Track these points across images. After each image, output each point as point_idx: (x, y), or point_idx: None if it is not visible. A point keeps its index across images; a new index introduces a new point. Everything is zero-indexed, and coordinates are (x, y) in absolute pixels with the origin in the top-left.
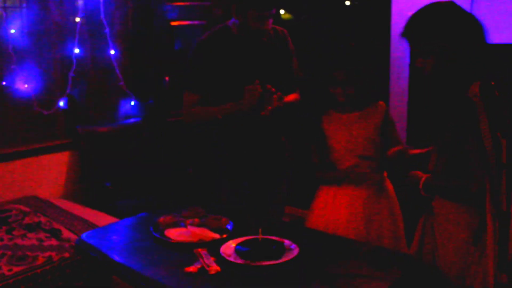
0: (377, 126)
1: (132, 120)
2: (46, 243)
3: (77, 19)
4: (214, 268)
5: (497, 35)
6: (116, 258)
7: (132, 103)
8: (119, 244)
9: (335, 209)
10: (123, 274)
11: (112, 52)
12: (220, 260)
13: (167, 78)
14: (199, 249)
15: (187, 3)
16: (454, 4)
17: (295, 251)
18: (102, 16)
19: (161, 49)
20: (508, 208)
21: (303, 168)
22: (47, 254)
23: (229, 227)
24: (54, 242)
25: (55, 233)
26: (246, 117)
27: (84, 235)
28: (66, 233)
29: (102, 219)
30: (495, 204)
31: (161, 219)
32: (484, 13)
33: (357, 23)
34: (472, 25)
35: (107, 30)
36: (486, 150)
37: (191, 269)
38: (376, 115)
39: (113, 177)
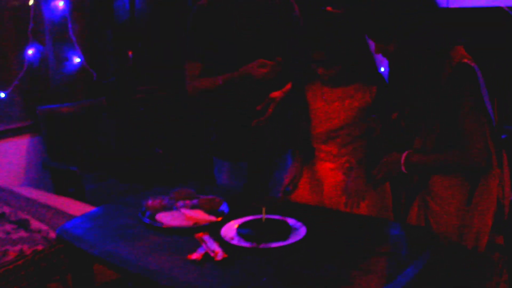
0: (359, 109)
1: (95, 99)
2: (14, 236)
3: None
4: (221, 254)
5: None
6: (108, 248)
7: (94, 80)
8: (108, 232)
9: (318, 185)
10: (118, 266)
11: (70, 26)
12: (223, 244)
13: (130, 53)
14: (201, 234)
15: None
16: None
17: (302, 231)
18: None
19: (122, 20)
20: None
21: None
22: (17, 247)
23: (224, 208)
24: (23, 234)
25: (23, 224)
26: (247, 88)
27: (66, 225)
28: (35, 224)
29: (72, 206)
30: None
31: (149, 203)
32: None
33: None
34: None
35: (64, 1)
36: (487, 113)
37: (195, 256)
38: (364, 97)
39: (79, 160)
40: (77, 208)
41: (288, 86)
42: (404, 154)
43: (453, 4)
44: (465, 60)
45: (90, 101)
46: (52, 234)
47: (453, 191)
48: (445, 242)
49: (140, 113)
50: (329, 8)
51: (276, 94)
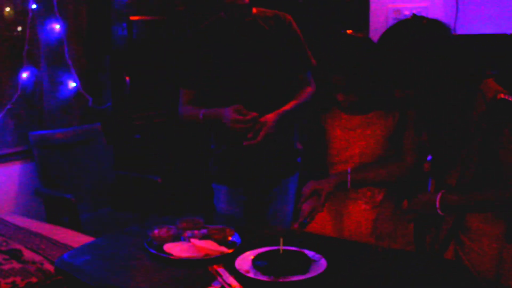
0: (382, 137)
1: (90, 124)
2: (6, 267)
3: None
4: None
5: (487, 26)
6: (113, 281)
7: (90, 105)
8: (113, 264)
9: (336, 215)
10: None
11: (67, 49)
12: (238, 277)
13: (127, 78)
14: (215, 266)
15: None
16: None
17: (323, 263)
18: (55, 9)
19: (120, 45)
20: None
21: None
22: (10, 280)
23: (235, 238)
24: (15, 265)
25: (15, 255)
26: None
27: (65, 255)
28: (28, 254)
29: (67, 235)
30: None
31: (156, 232)
32: (472, 4)
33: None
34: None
35: (61, 24)
36: None
37: None
38: (387, 124)
39: (74, 188)
40: (73, 238)
41: (284, 108)
42: (439, 196)
43: (459, 31)
44: (502, 95)
45: (85, 127)
46: (47, 266)
47: (488, 225)
48: (481, 281)
49: (137, 140)
50: (349, 31)
51: (268, 117)
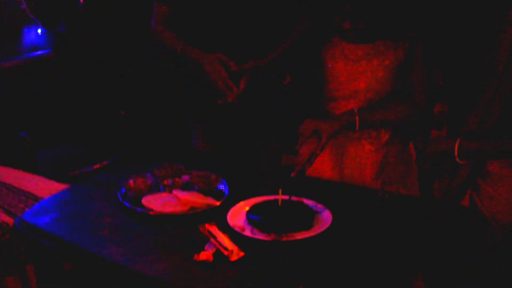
0: (390, 69)
1: (40, 52)
2: None
3: None
4: (236, 252)
5: None
6: (88, 247)
7: (39, 31)
8: (83, 224)
9: (336, 156)
10: (103, 271)
11: None
12: (233, 236)
13: None
14: (207, 225)
15: None
16: None
17: (327, 215)
18: None
19: None
20: None
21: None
22: None
23: (222, 187)
24: None
25: None
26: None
27: (26, 214)
28: None
29: (24, 179)
30: None
31: (131, 183)
32: None
33: None
34: None
35: None
36: None
37: (204, 256)
38: (396, 54)
39: (28, 124)
40: (30, 181)
41: (271, 56)
42: (457, 143)
43: None
44: None
45: (35, 54)
46: (4, 217)
47: (507, 170)
48: (498, 229)
49: (96, 70)
50: None
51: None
